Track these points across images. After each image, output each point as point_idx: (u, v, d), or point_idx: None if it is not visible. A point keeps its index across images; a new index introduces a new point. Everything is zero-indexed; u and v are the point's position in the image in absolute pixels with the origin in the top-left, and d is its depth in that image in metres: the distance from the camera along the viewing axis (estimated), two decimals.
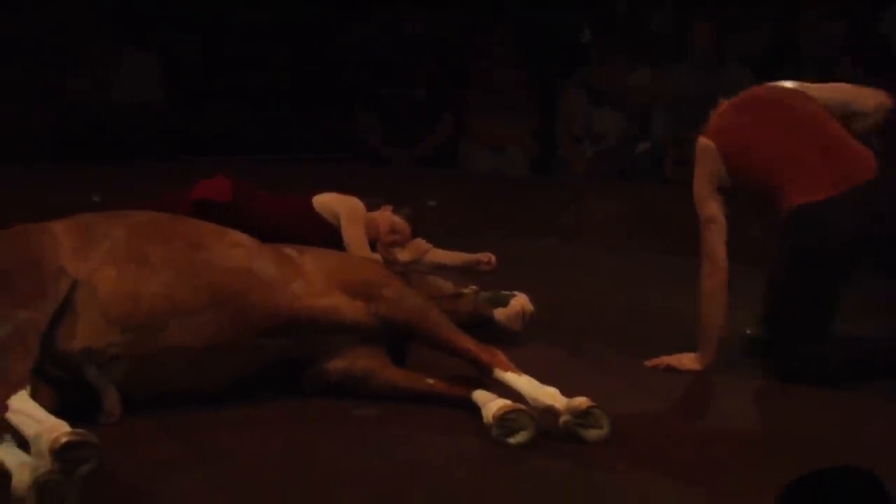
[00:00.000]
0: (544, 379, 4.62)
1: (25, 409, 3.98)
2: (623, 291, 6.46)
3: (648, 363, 5.37)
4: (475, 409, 4.56)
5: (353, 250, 5.81)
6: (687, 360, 5.32)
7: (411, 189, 7.29)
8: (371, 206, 6.11)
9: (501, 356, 4.75)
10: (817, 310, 5.21)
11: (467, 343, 4.85)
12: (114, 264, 4.58)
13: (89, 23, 9.97)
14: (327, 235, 5.88)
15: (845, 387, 5.18)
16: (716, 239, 5.25)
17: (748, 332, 5.59)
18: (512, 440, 4.41)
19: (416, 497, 4.05)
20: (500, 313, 5.54)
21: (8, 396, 4.00)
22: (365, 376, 4.84)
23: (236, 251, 4.85)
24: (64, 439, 3.78)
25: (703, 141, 5.30)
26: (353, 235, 5.92)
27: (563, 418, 4.45)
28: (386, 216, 6.07)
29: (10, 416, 3.96)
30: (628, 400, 4.85)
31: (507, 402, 4.51)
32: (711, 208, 5.25)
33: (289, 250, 5.00)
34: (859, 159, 5.18)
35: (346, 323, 4.84)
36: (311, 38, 10.41)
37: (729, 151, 5.26)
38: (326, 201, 6.08)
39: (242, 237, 4.97)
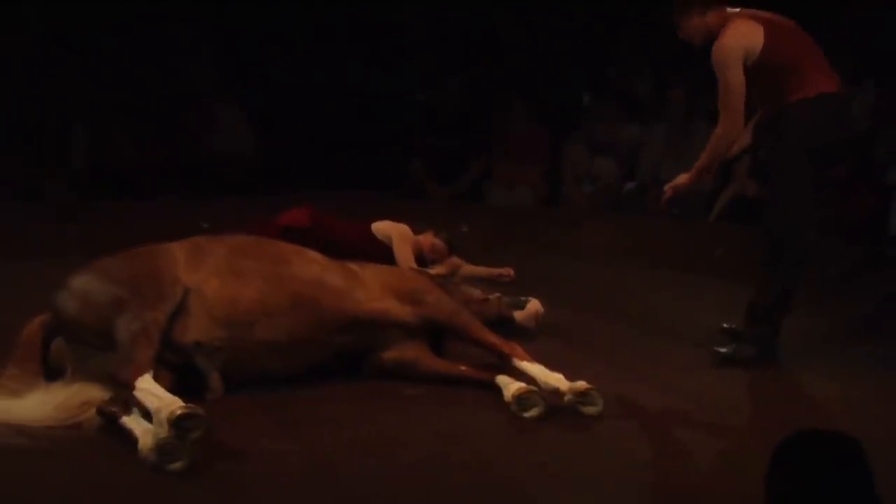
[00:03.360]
0: (552, 366, 4.64)
1: (149, 387, 4.03)
2: (614, 298, 6.43)
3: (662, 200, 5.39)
4: (497, 390, 4.58)
5: (403, 265, 5.82)
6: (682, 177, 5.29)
7: (448, 218, 7.29)
8: (417, 231, 6.12)
9: (519, 349, 4.77)
10: (808, 196, 5.14)
11: (492, 338, 4.87)
12: (217, 275, 4.61)
13: (196, 86, 10.03)
14: (383, 253, 5.90)
15: (805, 370, 5.21)
16: (737, 99, 5.02)
17: (724, 325, 5.41)
18: (526, 414, 4.43)
19: (453, 456, 4.08)
20: (518, 315, 5.55)
21: (136, 378, 4.05)
22: (412, 364, 4.86)
23: (312, 266, 4.88)
24: (179, 411, 3.84)
25: (750, 27, 5.04)
26: (403, 253, 5.92)
27: (566, 398, 4.47)
28: (428, 239, 6.08)
29: (136, 393, 4.02)
30: (619, 383, 4.83)
31: (523, 384, 4.53)
32: (738, 75, 5.00)
33: (353, 265, 5.02)
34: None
35: (397, 322, 4.86)
36: (372, 96, 10.44)
37: (772, 34, 5.04)
38: (382, 227, 6.09)
39: (317, 255, 4.99)
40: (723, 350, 5.24)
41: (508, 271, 6.20)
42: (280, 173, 9.62)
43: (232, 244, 4.82)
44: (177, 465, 3.78)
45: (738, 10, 5.19)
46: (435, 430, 4.33)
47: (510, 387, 4.53)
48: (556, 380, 4.54)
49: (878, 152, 8.57)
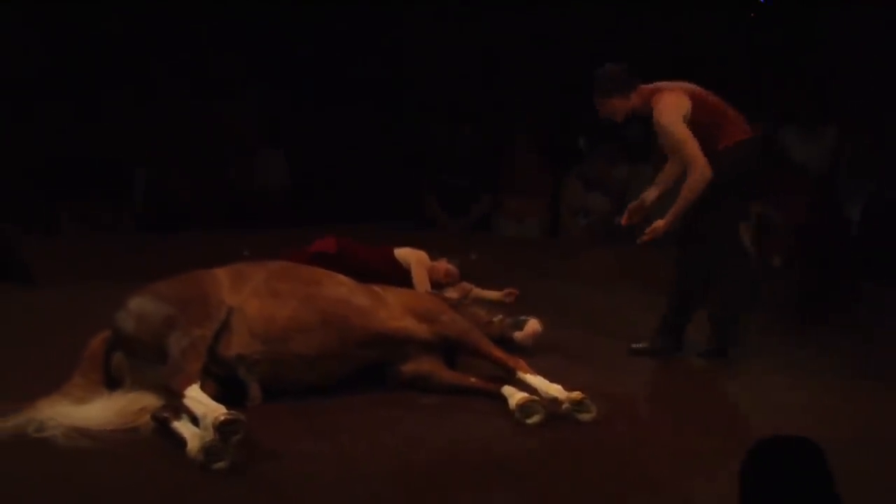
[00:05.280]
0: (552, 378, 4.64)
1: (196, 396, 4.03)
2: (607, 317, 6.41)
3: (640, 241, 5.57)
4: (503, 400, 4.58)
5: (419, 287, 5.82)
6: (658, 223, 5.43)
7: (460, 246, 7.29)
8: (432, 258, 6.13)
9: (522, 362, 4.77)
10: (731, 222, 5.49)
11: (498, 353, 4.86)
12: (257, 297, 4.62)
13: (239, 130, 10.08)
14: (402, 276, 5.90)
15: (775, 382, 5.20)
16: (695, 148, 5.23)
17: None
18: (529, 421, 4.42)
19: (464, 458, 4.07)
20: (517, 335, 5.52)
21: (185, 387, 4.06)
22: (428, 376, 4.85)
23: (340, 288, 4.88)
24: (222, 417, 3.84)
25: (679, 96, 5.30)
26: (420, 277, 5.92)
27: (564, 406, 4.47)
28: (442, 265, 6.08)
29: (185, 401, 4.03)
30: (612, 393, 4.83)
31: (526, 394, 4.52)
32: (685, 131, 5.23)
33: (376, 288, 5.03)
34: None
35: (415, 339, 4.85)
36: (393, 141, 10.48)
37: (695, 99, 5.30)
38: (403, 253, 6.09)
39: (345, 278, 4.99)
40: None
41: (513, 293, 6.19)
42: (313, 207, 9.65)
43: (270, 269, 4.83)
44: (221, 465, 3.79)
45: (651, 85, 5.42)
46: (448, 434, 4.32)
47: (514, 396, 4.52)
48: (556, 390, 4.53)
49: (839, 191, 8.58)
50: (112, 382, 4.44)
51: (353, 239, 6.24)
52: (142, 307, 4.45)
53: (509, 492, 3.79)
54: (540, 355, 5.37)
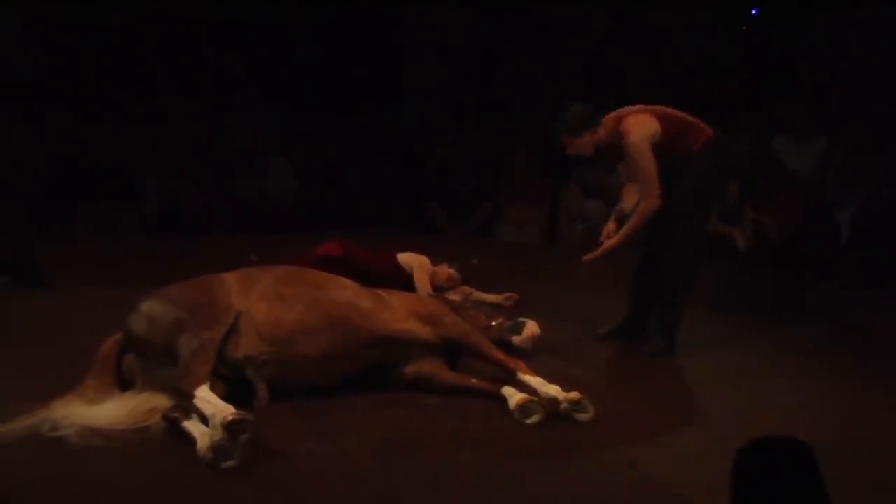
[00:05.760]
0: (550, 379, 4.65)
1: (206, 396, 4.05)
2: (603, 320, 6.42)
3: (586, 258, 5.64)
4: (503, 400, 4.59)
5: (421, 291, 5.84)
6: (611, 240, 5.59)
7: (461, 251, 7.30)
8: (434, 262, 6.14)
9: (522, 364, 4.78)
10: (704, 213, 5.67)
11: (499, 355, 4.87)
12: (264, 300, 4.64)
13: (245, 136, 10.12)
14: (405, 280, 5.92)
15: (769, 383, 5.23)
16: (655, 179, 5.39)
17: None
18: (528, 421, 4.43)
19: (465, 456, 4.08)
20: (515, 339, 5.53)
21: (194, 388, 4.08)
22: (430, 377, 4.86)
23: (345, 291, 4.90)
24: (230, 417, 3.86)
25: (647, 118, 5.46)
26: (421, 281, 5.94)
27: (562, 406, 4.48)
28: (444, 269, 6.10)
29: (195, 401, 4.04)
30: (608, 394, 4.85)
31: (525, 395, 4.53)
32: (650, 160, 5.39)
33: (380, 292, 5.04)
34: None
35: (418, 340, 4.87)
36: (398, 151, 10.52)
37: (664, 118, 5.48)
38: (406, 258, 6.12)
39: (349, 282, 5.01)
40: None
41: (512, 297, 6.21)
42: (317, 213, 9.68)
43: (277, 273, 4.84)
44: (229, 463, 3.80)
45: (613, 113, 5.57)
46: (449, 433, 4.33)
47: (514, 397, 4.54)
48: (554, 391, 4.54)
49: (828, 196, 8.60)
50: (124, 383, 4.45)
51: (356, 244, 6.26)
52: (153, 310, 4.47)
53: (509, 491, 3.80)
54: (539, 357, 5.39)
